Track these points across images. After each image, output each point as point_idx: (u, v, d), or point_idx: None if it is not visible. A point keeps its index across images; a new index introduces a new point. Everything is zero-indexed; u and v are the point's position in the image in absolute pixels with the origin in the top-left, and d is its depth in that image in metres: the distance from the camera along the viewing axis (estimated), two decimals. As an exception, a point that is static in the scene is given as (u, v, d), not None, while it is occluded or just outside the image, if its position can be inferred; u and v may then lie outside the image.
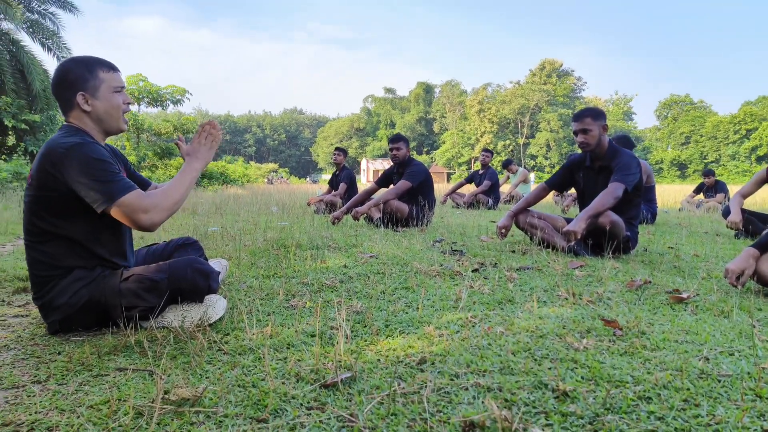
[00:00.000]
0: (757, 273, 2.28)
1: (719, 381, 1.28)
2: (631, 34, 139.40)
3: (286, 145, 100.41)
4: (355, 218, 4.84)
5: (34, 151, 14.01)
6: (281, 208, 8.35)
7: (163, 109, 26.01)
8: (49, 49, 15.68)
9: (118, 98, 1.86)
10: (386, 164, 70.35)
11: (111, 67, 1.87)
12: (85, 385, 1.40)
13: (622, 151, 3.29)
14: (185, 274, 1.82)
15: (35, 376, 1.46)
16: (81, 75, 1.80)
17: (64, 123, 1.87)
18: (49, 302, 1.80)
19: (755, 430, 1.05)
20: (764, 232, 4.13)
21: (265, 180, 43.49)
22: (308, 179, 65.84)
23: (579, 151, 3.54)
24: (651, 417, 1.12)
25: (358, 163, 76.21)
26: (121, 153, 2.08)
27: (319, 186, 27.79)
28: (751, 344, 1.57)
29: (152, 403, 1.24)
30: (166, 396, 1.26)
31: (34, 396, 1.33)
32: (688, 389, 1.24)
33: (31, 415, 1.22)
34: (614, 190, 3.07)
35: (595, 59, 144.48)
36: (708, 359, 1.44)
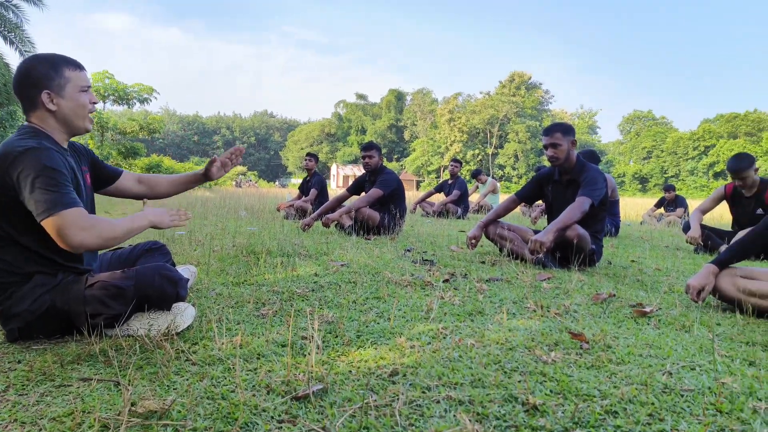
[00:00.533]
0: (716, 288, 2.36)
1: (682, 395, 1.33)
2: (598, 50, 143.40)
3: (255, 148, 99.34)
4: (326, 225, 4.82)
5: (-8, 147, 13.54)
6: (250, 212, 8.25)
7: (129, 107, 25.49)
8: (12, 43, 15.18)
9: (84, 97, 1.81)
10: (356, 170, 70.39)
11: (77, 66, 1.81)
12: (47, 395, 1.35)
13: (589, 166, 3.38)
14: (152, 281, 1.78)
15: (-7, 387, 1.41)
16: (46, 73, 1.74)
17: (24, 123, 1.80)
18: (8, 309, 1.73)
19: (716, 444, 1.09)
20: (722, 249, 4.29)
21: (234, 183, 42.92)
22: (277, 183, 65.29)
23: (547, 163, 3.62)
24: (618, 431, 1.14)
25: (329, 168, 75.99)
26: (84, 148, 2.02)
27: (288, 190, 27.57)
28: (711, 359, 1.62)
29: (118, 415, 1.21)
30: (133, 408, 1.23)
31: (-8, 407, 1.28)
32: (653, 404, 1.27)
33: (-12, 428, 1.18)
34: (581, 204, 3.14)
35: (562, 73, 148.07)
36: (671, 374, 1.48)
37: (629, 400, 1.29)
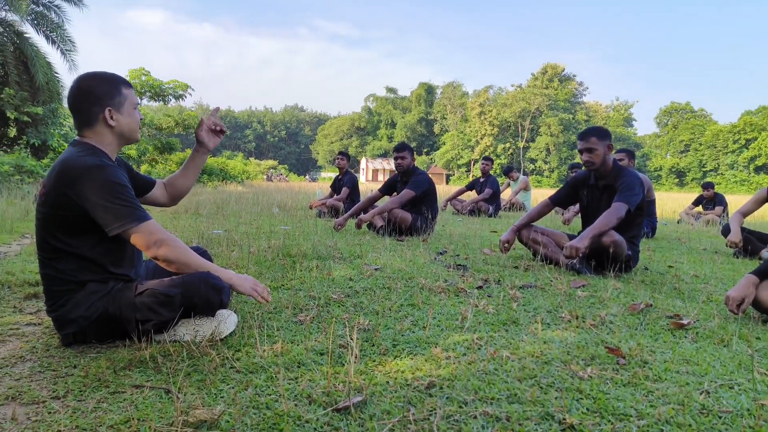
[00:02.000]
0: (757, 300, 2.32)
1: (720, 417, 1.33)
2: (634, 40, 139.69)
3: (286, 142, 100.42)
4: (359, 226, 4.88)
5: (36, 143, 14.02)
6: (282, 209, 8.39)
7: (164, 103, 25.99)
8: (53, 42, 15.68)
9: (137, 113, 1.95)
10: (386, 164, 70.44)
11: (129, 85, 1.95)
12: (103, 402, 1.43)
13: (626, 171, 3.34)
14: (198, 289, 1.85)
15: (54, 391, 1.50)
16: (108, 91, 1.86)
17: (76, 138, 1.90)
18: (64, 315, 1.84)
19: (755, 471, 1.10)
20: (763, 253, 4.18)
21: (264, 177, 43.52)
22: (307, 177, 65.83)
23: (579, 159, 3.59)
24: (655, 454, 1.16)
25: (358, 162, 76.22)
26: (122, 160, 2.11)
27: (318, 185, 27.81)
28: (750, 377, 1.61)
29: (171, 425, 1.28)
30: (185, 418, 1.30)
31: (54, 413, 1.37)
32: (690, 425, 1.28)
33: (53, 433, 1.26)
34: (617, 210, 3.12)
35: (596, 65, 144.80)
36: (709, 393, 1.48)
37: (666, 420, 1.30)
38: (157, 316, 1.83)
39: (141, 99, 24.62)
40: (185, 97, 26.07)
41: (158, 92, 24.69)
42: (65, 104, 16.28)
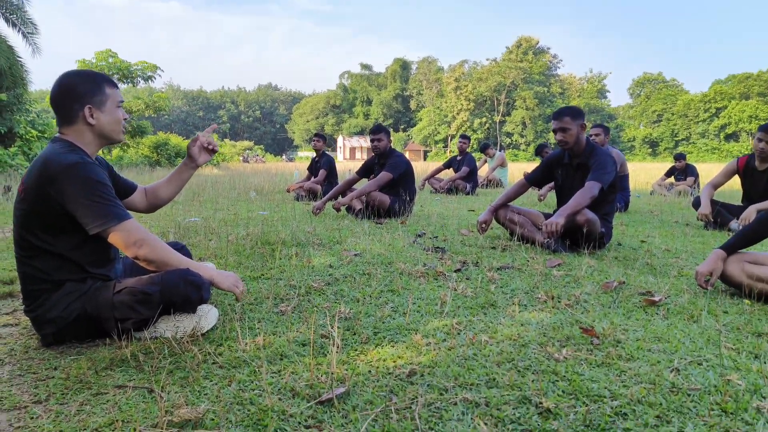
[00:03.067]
0: (724, 274, 2.40)
1: (689, 395, 1.39)
2: (607, 12, 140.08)
3: (261, 121, 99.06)
4: (337, 209, 4.89)
5: (2, 131, 13.59)
6: (260, 193, 8.32)
7: (133, 85, 25.39)
8: (14, 25, 15.08)
9: (120, 112, 1.94)
10: (363, 141, 70.10)
11: (114, 84, 1.94)
12: (86, 404, 1.43)
13: (599, 150, 3.39)
14: (178, 287, 1.85)
15: (35, 395, 1.49)
16: (90, 89, 1.85)
17: (57, 136, 1.88)
18: (42, 315, 1.82)
19: (720, 447, 1.15)
20: (732, 224, 4.30)
21: (241, 158, 42.99)
22: (284, 157, 65.22)
23: (552, 138, 3.63)
24: (627, 434, 1.21)
25: (335, 140, 75.70)
26: (105, 161, 2.09)
27: (295, 165, 27.60)
28: (718, 352, 1.68)
29: (156, 426, 1.29)
30: (169, 418, 1.31)
31: (37, 418, 1.37)
32: (661, 404, 1.33)
33: (37, 439, 1.26)
34: (591, 188, 3.17)
35: (570, 37, 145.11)
36: (679, 370, 1.54)
37: (638, 400, 1.35)
38: (137, 314, 1.83)
39: (109, 82, 23.98)
40: (154, 78, 25.51)
41: (126, 74, 24.10)
42: (30, 89, 15.79)
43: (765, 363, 1.61)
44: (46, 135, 15.01)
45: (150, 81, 25.42)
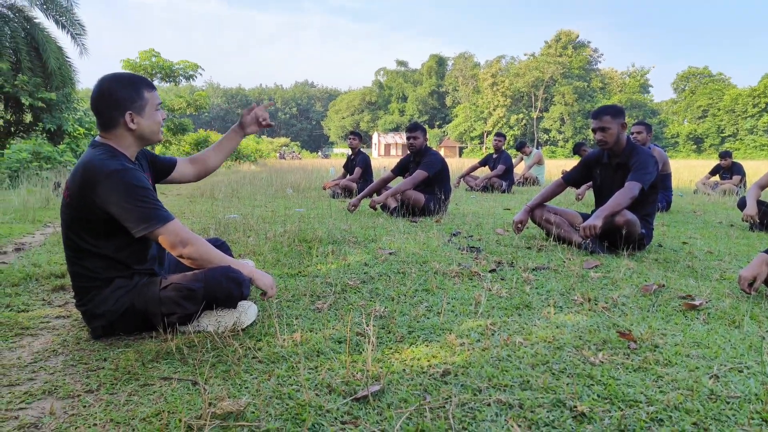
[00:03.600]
0: (769, 279, 2.33)
1: (728, 402, 1.37)
2: (649, 4, 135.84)
3: (297, 118, 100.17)
4: (373, 207, 4.93)
5: (51, 129, 14.16)
6: (296, 190, 8.45)
7: (175, 84, 26.02)
8: (63, 26, 15.67)
9: (159, 115, 1.98)
10: (398, 138, 70.04)
11: (152, 86, 1.98)
12: (134, 395, 1.51)
13: (639, 149, 3.32)
14: (220, 283, 1.92)
15: (87, 385, 1.58)
16: (129, 96, 1.88)
17: (97, 139, 1.95)
18: (92, 310, 1.92)
19: (760, 457, 1.14)
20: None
21: (277, 155, 43.59)
22: (320, 153, 65.76)
23: (591, 135, 3.57)
24: (663, 441, 1.21)
25: (370, 137, 75.90)
26: (143, 152, 2.14)
27: (331, 162, 27.83)
28: (759, 359, 1.64)
29: (200, 418, 1.35)
30: (212, 409, 1.37)
31: (89, 407, 1.45)
32: (698, 411, 1.32)
33: (89, 427, 1.34)
34: (631, 189, 3.12)
35: (611, 31, 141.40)
36: (718, 377, 1.52)
37: (675, 407, 1.34)
38: (182, 309, 1.91)
39: (152, 80, 24.67)
40: (195, 77, 26.09)
41: (169, 73, 24.73)
42: (78, 88, 16.38)
43: (810, 372, 1.56)
44: (92, 132, 15.56)
45: (191, 80, 26.01)
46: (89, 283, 1.92)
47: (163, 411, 1.39)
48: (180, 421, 1.33)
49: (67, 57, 15.37)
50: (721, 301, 2.31)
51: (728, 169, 9.20)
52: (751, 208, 4.30)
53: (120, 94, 1.87)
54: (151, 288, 1.93)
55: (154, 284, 1.94)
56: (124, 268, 1.94)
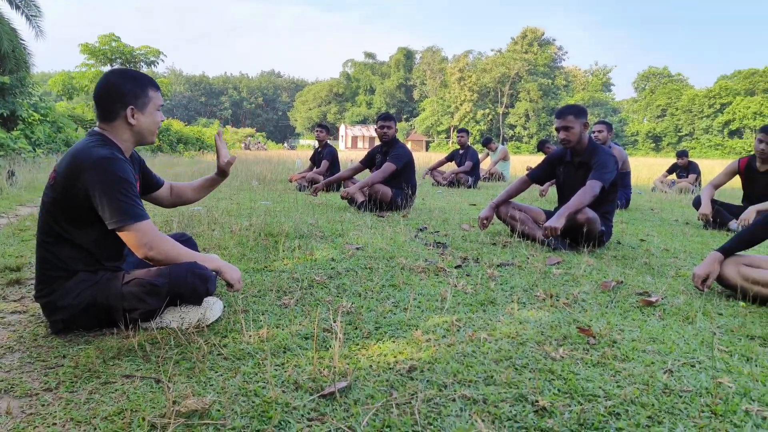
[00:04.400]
0: (720, 276, 2.44)
1: (681, 396, 1.43)
2: (614, 3, 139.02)
3: (263, 108, 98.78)
4: (344, 197, 4.95)
5: (4, 114, 13.60)
6: (262, 182, 8.35)
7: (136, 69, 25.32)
8: (17, 7, 15.06)
9: (159, 115, 2.00)
10: (365, 130, 69.94)
11: (157, 86, 2.01)
12: (95, 393, 1.47)
13: (601, 149, 3.42)
14: (185, 279, 1.89)
15: (45, 383, 1.53)
16: (134, 91, 1.91)
17: (94, 129, 1.95)
18: (54, 302, 1.87)
19: (709, 449, 1.20)
20: (731, 224, 4.33)
21: (242, 145, 42.95)
22: (286, 145, 65.07)
23: (555, 133, 3.66)
24: (619, 434, 1.25)
25: (337, 129, 75.49)
26: (138, 156, 2.16)
27: (297, 153, 27.58)
28: (711, 354, 1.72)
29: (164, 416, 1.33)
30: (176, 408, 1.35)
31: (48, 405, 1.41)
32: (653, 405, 1.38)
33: (48, 427, 1.30)
34: (592, 188, 3.21)
35: (576, 29, 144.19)
36: (672, 372, 1.59)
37: (631, 401, 1.40)
38: (144, 305, 1.87)
39: (112, 65, 23.94)
40: (157, 63, 25.49)
41: (129, 59, 24.06)
42: (33, 72, 15.76)
43: (756, 366, 1.65)
44: (48, 119, 15.01)
45: (153, 66, 25.39)
46: (54, 272, 1.88)
47: (126, 409, 1.37)
48: (143, 419, 1.31)
49: (21, 39, 14.78)
50: (676, 297, 2.40)
51: (685, 168, 9.54)
52: (705, 207, 4.48)
53: (125, 88, 1.90)
54: (113, 283, 1.89)
55: (117, 279, 1.90)
56: (93, 262, 1.91)
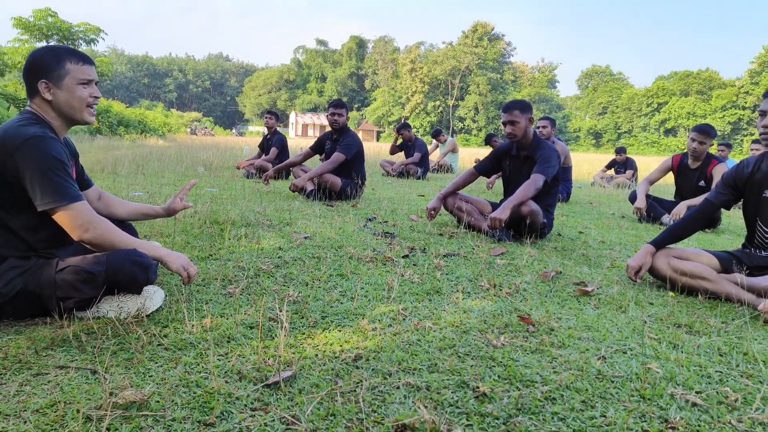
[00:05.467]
0: (652, 267, 2.57)
1: (612, 381, 1.50)
2: (561, 3, 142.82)
3: (210, 93, 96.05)
4: (293, 190, 4.89)
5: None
6: (208, 168, 8.14)
7: (74, 47, 24.04)
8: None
9: (82, 91, 1.85)
10: (315, 118, 69.24)
11: (82, 59, 1.86)
12: (26, 385, 1.41)
13: (544, 144, 3.52)
14: (123, 267, 1.82)
15: (-29, 376, 1.45)
16: (47, 63, 1.79)
17: (26, 108, 1.85)
18: None
19: (637, 431, 1.27)
20: (664, 218, 4.56)
21: (188, 130, 41.67)
22: (234, 131, 63.57)
23: (501, 128, 3.73)
24: (555, 418, 1.31)
25: (287, 116, 74.40)
26: (73, 145, 2.06)
27: (245, 140, 27.03)
28: (641, 341, 1.82)
29: (99, 408, 1.29)
30: (113, 399, 1.31)
31: (-28, 399, 1.34)
32: (587, 390, 1.44)
33: (-27, 421, 1.24)
34: (535, 181, 3.31)
35: (525, 26, 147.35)
36: (605, 358, 1.67)
37: (566, 386, 1.46)
38: (79, 293, 1.79)
39: (48, 42, 22.63)
40: (97, 41, 24.24)
41: (67, 35, 22.77)
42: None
43: (682, 352, 1.75)
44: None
45: (92, 44, 24.14)
46: None
47: (59, 402, 1.31)
48: (78, 411, 1.27)
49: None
50: (610, 287, 2.52)
51: (622, 164, 9.97)
52: (641, 202, 4.70)
53: (39, 62, 1.79)
54: (46, 270, 1.80)
55: (50, 266, 1.81)
56: (25, 248, 1.82)
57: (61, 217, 1.74)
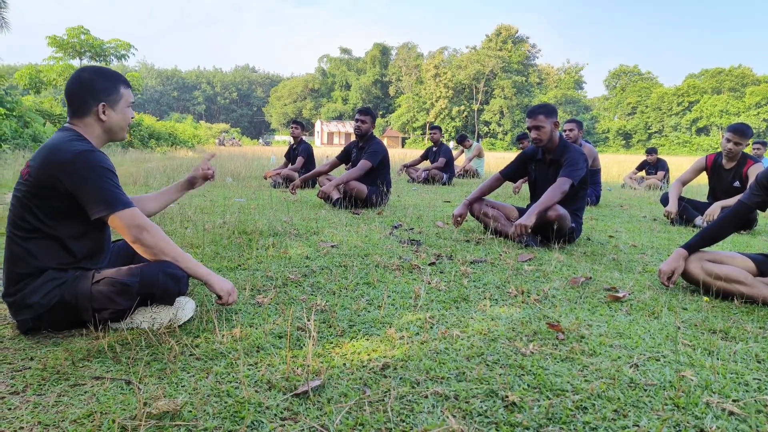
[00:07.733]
0: (685, 272, 2.51)
1: (645, 390, 1.47)
2: (587, 2, 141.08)
3: (237, 104, 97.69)
4: (320, 197, 4.95)
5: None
6: (236, 179, 8.27)
7: (106, 63, 24.76)
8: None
9: (130, 112, 2.03)
10: (341, 126, 69.70)
11: (128, 84, 2.03)
12: (63, 396, 1.45)
13: (571, 147, 3.48)
14: (157, 279, 1.87)
15: (12, 386, 1.50)
16: (106, 87, 1.94)
17: (66, 125, 1.95)
18: (22, 299, 1.83)
19: (671, 440, 1.24)
20: (697, 221, 4.45)
21: (216, 141, 42.40)
22: (260, 141, 64.40)
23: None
24: (586, 427, 1.29)
25: (313, 125, 75.10)
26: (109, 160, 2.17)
27: (272, 149, 27.36)
28: (675, 348, 1.77)
29: (134, 418, 1.32)
30: (147, 409, 1.34)
31: (15, 409, 1.38)
32: (619, 399, 1.42)
33: (16, 431, 1.28)
34: (562, 184, 3.27)
35: (549, 27, 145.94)
36: (637, 366, 1.63)
37: (598, 395, 1.43)
38: (114, 305, 1.84)
39: (80, 59, 23.36)
40: (128, 57, 24.94)
41: (99, 52, 23.49)
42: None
43: (717, 359, 1.71)
44: (14, 113, 14.58)
45: (123, 60, 24.86)
46: (24, 269, 1.84)
47: (96, 412, 1.35)
48: (113, 422, 1.30)
49: (-15, 31, 14.31)
50: (642, 293, 2.47)
51: (654, 165, 9.76)
52: (672, 206, 4.60)
53: (98, 85, 1.93)
54: (83, 281, 1.85)
55: (86, 278, 1.87)
56: (65, 259, 1.88)
57: (116, 220, 1.82)
